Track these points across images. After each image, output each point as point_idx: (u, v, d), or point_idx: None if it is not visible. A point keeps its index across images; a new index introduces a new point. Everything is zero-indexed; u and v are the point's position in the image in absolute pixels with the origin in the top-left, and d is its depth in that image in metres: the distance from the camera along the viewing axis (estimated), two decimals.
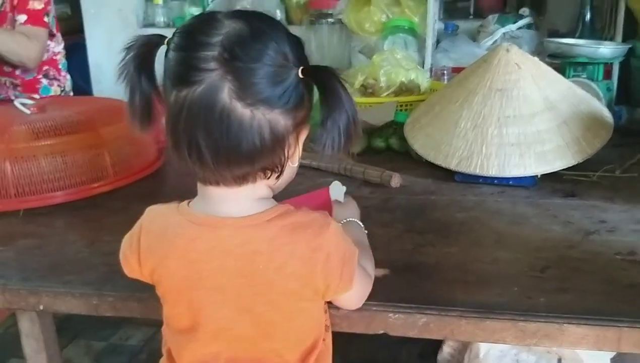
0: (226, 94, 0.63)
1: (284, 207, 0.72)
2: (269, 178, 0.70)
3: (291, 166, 0.73)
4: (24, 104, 1.37)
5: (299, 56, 0.68)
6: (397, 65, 1.67)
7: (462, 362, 1.24)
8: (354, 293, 0.75)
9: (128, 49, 0.68)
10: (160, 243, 0.72)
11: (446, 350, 1.28)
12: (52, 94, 2.15)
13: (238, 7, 2.25)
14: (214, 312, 0.71)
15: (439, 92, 1.46)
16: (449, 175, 1.31)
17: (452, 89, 1.39)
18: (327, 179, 1.34)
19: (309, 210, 0.73)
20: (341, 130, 0.67)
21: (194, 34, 0.65)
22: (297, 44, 0.69)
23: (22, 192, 1.20)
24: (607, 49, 1.52)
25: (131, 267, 0.75)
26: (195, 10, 2.49)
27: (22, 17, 2.08)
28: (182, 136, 0.65)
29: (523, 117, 1.26)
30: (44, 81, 2.14)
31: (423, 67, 1.99)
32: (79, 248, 1.03)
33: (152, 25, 2.68)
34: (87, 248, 1.03)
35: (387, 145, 1.54)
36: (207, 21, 0.66)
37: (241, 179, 0.68)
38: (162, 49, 0.69)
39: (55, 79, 2.17)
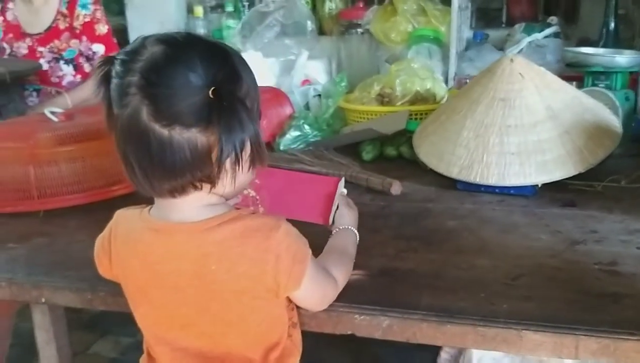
0: (145, 116, 0.69)
1: (235, 212, 0.77)
2: (211, 189, 0.75)
3: (241, 176, 0.76)
4: (53, 113, 1.46)
5: (214, 76, 0.70)
6: (413, 75, 1.70)
7: None
8: (309, 294, 0.79)
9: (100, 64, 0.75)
10: (125, 247, 0.80)
11: (443, 356, 1.29)
12: None
13: (270, 19, 2.32)
14: (175, 309, 0.77)
15: (447, 102, 1.48)
16: (452, 183, 1.33)
17: (457, 99, 1.41)
18: None
19: (260, 214, 0.78)
20: (237, 148, 0.71)
21: (125, 60, 0.71)
22: (213, 64, 0.71)
23: (43, 194, 1.29)
24: (624, 58, 1.49)
25: (104, 267, 0.83)
26: (232, 23, 2.58)
27: (99, 49, 2.26)
28: (119, 153, 0.73)
29: (524, 127, 1.27)
30: None
31: (447, 76, 2.00)
32: (84, 247, 1.09)
33: None
34: (91, 247, 1.10)
35: (399, 153, 1.57)
36: (136, 48, 0.72)
37: (177, 191, 0.74)
38: None
39: None
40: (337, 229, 0.96)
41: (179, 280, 0.75)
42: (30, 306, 1.27)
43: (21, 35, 2.37)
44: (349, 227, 0.96)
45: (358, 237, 0.97)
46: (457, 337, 0.81)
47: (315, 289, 0.80)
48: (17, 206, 1.28)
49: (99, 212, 1.27)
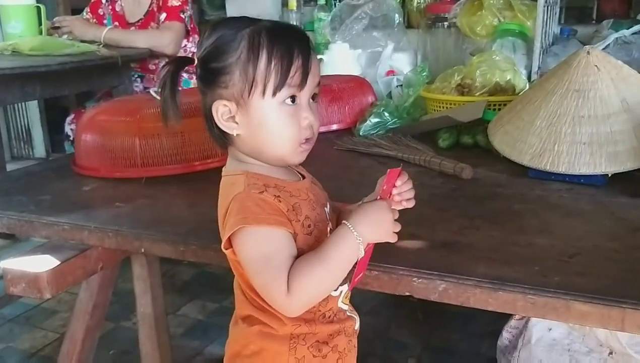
0: None
1: (240, 170, 0.91)
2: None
3: (245, 135, 0.89)
4: (156, 92, 1.63)
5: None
6: (494, 66, 1.74)
7: (516, 347, 1.30)
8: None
9: None
10: None
11: (505, 335, 1.34)
12: (191, 86, 2.47)
13: (359, 12, 2.41)
14: None
15: (523, 93, 1.52)
16: (524, 171, 1.37)
17: (533, 90, 1.45)
18: (406, 169, 1.47)
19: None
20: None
21: None
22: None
23: (147, 163, 1.45)
24: None
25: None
26: (323, 15, 2.68)
27: (162, 16, 2.51)
28: None
29: (597, 118, 1.30)
30: (185, 75, 2.46)
31: (531, 70, 2.02)
32: (180, 209, 1.25)
33: None
34: (186, 209, 1.25)
35: (474, 141, 1.62)
36: None
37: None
38: None
39: (194, 73, 2.51)
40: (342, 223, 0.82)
41: None
42: (131, 260, 1.43)
43: (126, 24, 2.62)
44: (351, 228, 0.80)
45: (361, 247, 0.80)
46: (508, 303, 0.87)
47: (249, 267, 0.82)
48: (124, 172, 1.45)
49: (194, 182, 1.43)
